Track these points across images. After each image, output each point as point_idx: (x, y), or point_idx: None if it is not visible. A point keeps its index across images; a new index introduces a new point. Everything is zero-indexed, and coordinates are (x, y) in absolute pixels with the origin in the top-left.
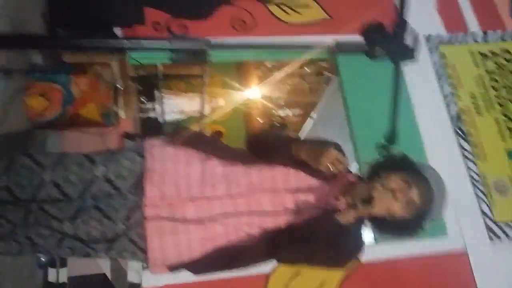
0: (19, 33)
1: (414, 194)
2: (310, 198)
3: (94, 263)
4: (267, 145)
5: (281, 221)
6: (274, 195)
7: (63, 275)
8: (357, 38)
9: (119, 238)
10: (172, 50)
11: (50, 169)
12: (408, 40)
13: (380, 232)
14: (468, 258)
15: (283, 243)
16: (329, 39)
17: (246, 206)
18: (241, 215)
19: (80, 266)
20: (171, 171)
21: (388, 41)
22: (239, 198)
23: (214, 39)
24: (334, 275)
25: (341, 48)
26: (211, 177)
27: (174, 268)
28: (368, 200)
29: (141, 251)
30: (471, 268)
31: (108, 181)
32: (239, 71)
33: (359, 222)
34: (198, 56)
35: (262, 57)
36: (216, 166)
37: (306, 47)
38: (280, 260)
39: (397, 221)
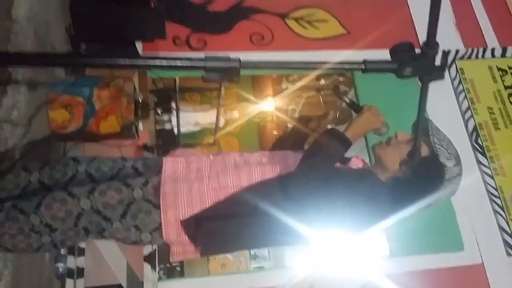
0: (43, 52)
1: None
2: None
3: (110, 273)
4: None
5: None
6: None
7: (80, 285)
8: (377, 54)
9: (135, 202)
10: (205, 69)
11: (86, 163)
12: (438, 60)
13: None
14: (485, 273)
15: (296, 171)
16: (352, 56)
17: (257, 162)
18: (253, 165)
19: (97, 276)
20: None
21: (418, 61)
22: (251, 158)
23: (234, 54)
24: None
25: (369, 67)
26: (227, 154)
27: (186, 228)
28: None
29: (156, 208)
30: (488, 283)
31: (134, 168)
32: (254, 84)
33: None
34: (231, 75)
35: (286, 72)
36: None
37: (337, 66)
38: (294, 195)
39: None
